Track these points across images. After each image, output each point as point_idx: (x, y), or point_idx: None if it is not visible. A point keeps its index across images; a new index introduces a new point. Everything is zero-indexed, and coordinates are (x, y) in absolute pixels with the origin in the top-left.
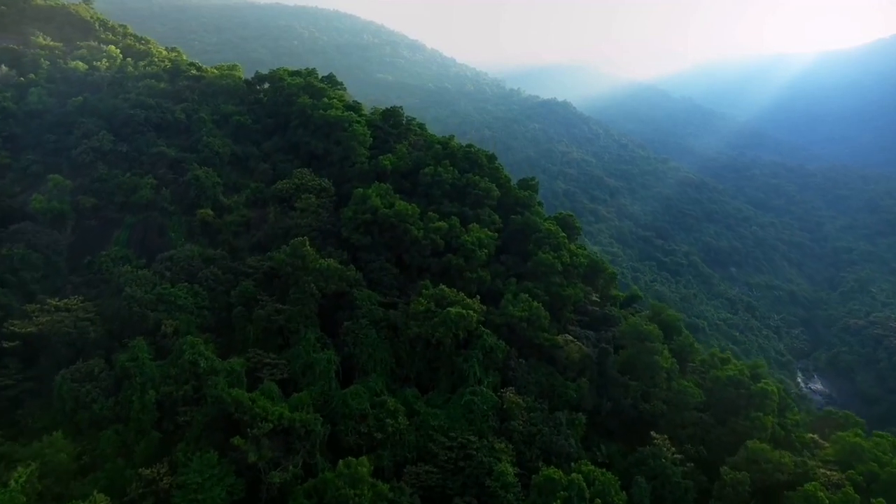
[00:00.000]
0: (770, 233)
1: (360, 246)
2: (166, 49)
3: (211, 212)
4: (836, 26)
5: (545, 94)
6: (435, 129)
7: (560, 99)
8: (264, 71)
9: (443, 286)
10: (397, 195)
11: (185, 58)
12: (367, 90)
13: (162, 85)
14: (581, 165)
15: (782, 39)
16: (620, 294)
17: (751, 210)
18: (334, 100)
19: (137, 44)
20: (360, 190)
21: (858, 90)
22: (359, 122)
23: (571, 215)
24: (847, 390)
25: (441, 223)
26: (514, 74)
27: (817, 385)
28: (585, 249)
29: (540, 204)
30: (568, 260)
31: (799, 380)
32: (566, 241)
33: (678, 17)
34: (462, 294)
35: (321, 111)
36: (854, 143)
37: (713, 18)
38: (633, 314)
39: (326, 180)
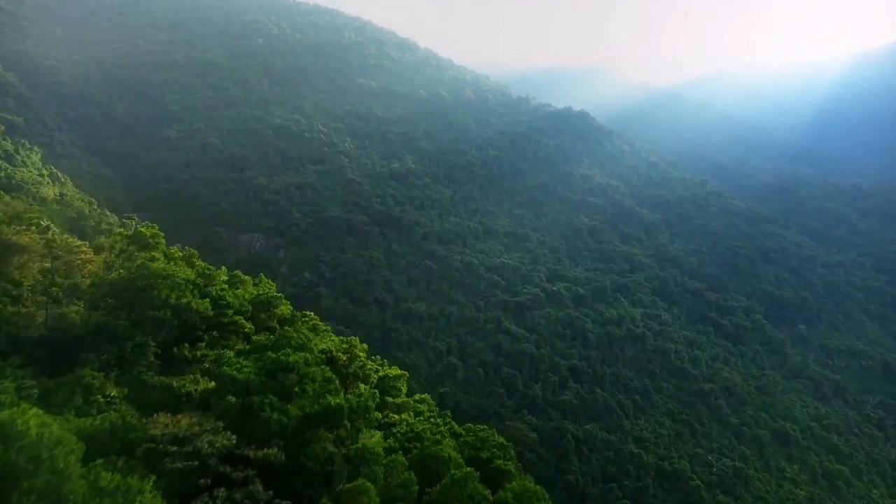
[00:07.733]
0: (840, 276)
1: None
2: None
3: None
4: (836, 28)
5: (551, 100)
6: (427, 147)
7: (568, 106)
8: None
9: None
10: None
11: None
12: (345, 99)
13: None
14: (607, 192)
15: (780, 42)
16: None
17: (813, 246)
18: None
19: None
20: None
21: (891, 94)
22: None
23: None
24: None
25: None
26: (515, 78)
27: None
28: None
29: None
30: None
31: None
32: None
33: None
34: None
35: None
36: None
37: (710, 20)
38: None
39: None
